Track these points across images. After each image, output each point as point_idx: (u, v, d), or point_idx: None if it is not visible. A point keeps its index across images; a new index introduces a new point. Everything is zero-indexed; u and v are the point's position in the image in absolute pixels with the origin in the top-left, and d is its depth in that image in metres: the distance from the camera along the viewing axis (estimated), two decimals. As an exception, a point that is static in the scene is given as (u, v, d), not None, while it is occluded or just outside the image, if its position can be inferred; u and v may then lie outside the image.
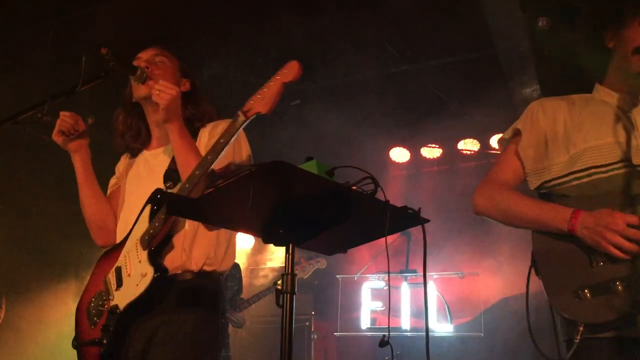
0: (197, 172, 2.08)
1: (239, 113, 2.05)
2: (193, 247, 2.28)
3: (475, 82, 5.50)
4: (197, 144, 2.39)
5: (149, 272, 2.18)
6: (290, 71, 1.99)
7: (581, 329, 1.91)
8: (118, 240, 2.43)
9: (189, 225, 2.29)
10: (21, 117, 2.18)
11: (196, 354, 2.21)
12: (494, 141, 6.49)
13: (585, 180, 2.06)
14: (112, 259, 2.40)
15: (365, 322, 6.18)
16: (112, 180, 2.69)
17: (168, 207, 1.73)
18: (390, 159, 7.04)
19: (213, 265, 2.32)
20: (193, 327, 2.22)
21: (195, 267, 2.27)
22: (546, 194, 2.17)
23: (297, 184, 1.63)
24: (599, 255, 1.93)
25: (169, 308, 2.22)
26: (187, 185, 2.11)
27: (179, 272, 2.26)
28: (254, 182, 1.57)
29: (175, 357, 2.17)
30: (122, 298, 2.25)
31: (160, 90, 2.20)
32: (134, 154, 2.60)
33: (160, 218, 2.21)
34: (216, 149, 2.07)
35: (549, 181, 2.14)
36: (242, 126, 2.06)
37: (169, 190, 2.30)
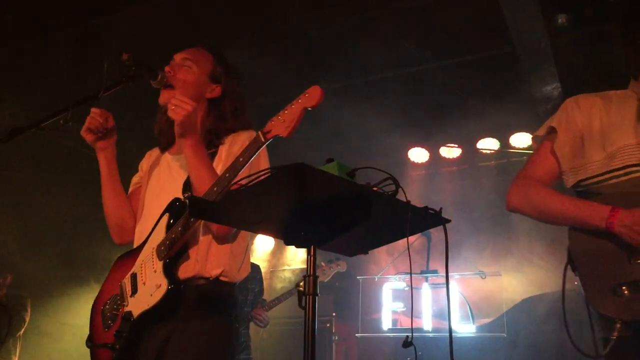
0: (214, 189, 2.06)
1: (259, 133, 2.04)
2: (207, 258, 2.29)
3: (494, 80, 5.46)
4: (217, 157, 2.39)
5: (164, 284, 2.20)
6: (312, 96, 1.96)
7: (618, 326, 1.90)
8: (136, 244, 2.46)
9: (203, 237, 2.30)
10: (44, 123, 2.21)
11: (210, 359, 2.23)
12: (514, 140, 6.44)
13: (622, 178, 2.05)
14: (128, 263, 2.43)
15: (386, 323, 6.16)
16: (135, 179, 2.70)
17: (190, 209, 1.74)
18: (409, 159, 7.01)
19: (228, 276, 2.33)
20: (207, 333, 2.23)
21: (209, 275, 2.29)
22: (582, 192, 2.15)
23: (318, 186, 1.64)
24: (637, 252, 1.92)
25: (183, 315, 2.23)
26: None
27: (193, 278, 2.27)
28: (276, 184, 1.58)
29: None
30: (136, 306, 2.28)
31: (176, 105, 2.19)
32: (162, 150, 2.61)
33: (177, 230, 2.21)
34: (236, 168, 2.05)
35: (585, 179, 2.12)
36: (262, 147, 2.05)
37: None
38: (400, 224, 1.78)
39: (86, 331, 2.48)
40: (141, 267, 2.34)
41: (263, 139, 2.02)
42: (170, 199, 2.33)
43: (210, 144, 2.41)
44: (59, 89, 4.72)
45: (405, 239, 1.86)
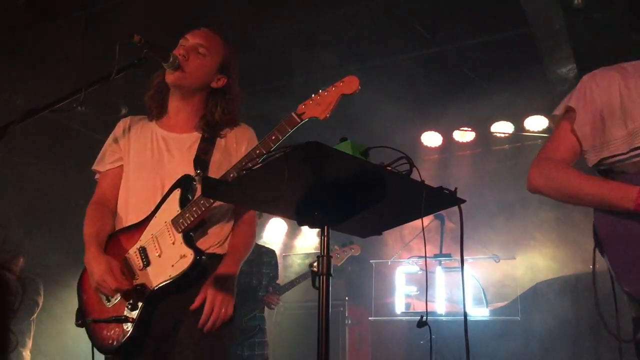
0: (231, 175, 2.14)
1: (293, 115, 2.13)
2: (223, 235, 2.39)
3: (509, 62, 5.39)
4: (216, 147, 2.45)
5: (189, 254, 2.24)
6: (349, 85, 2.10)
7: None
8: (136, 220, 2.41)
9: (219, 210, 2.38)
10: (58, 105, 2.21)
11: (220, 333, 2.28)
12: (528, 123, 6.37)
13: None
14: (128, 238, 2.41)
15: (399, 307, 6.17)
16: (113, 155, 2.58)
17: (203, 188, 1.74)
18: (421, 143, 6.96)
19: (224, 247, 2.42)
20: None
21: (221, 250, 2.38)
22: (605, 170, 2.10)
23: (332, 165, 1.62)
24: None
25: (197, 289, 2.28)
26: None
27: (211, 253, 2.35)
28: (289, 163, 1.57)
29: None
30: (152, 278, 2.29)
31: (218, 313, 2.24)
32: (151, 118, 2.58)
33: (199, 204, 2.25)
34: (268, 146, 2.14)
35: (608, 158, 2.07)
36: (295, 128, 2.15)
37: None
38: (415, 204, 1.76)
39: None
40: (152, 241, 2.34)
41: (298, 120, 2.12)
42: (173, 176, 2.36)
43: (207, 128, 2.46)
44: (71, 72, 4.73)
45: (418, 221, 1.85)
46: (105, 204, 2.52)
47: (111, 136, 2.63)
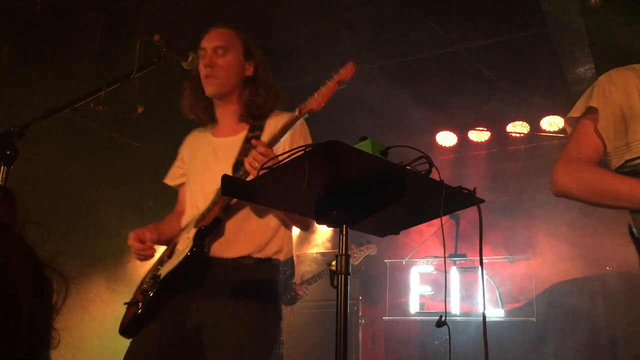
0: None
1: (297, 110, 2.21)
2: (242, 234, 2.37)
3: (525, 62, 5.36)
4: (264, 133, 2.47)
5: (189, 246, 2.31)
6: (344, 72, 2.14)
7: None
8: (184, 224, 2.53)
9: (240, 213, 2.39)
10: (79, 103, 2.23)
11: (257, 346, 2.28)
12: (544, 123, 6.33)
13: None
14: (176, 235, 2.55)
15: (414, 307, 6.15)
16: (178, 170, 2.74)
17: (223, 187, 1.75)
18: (437, 143, 6.94)
19: (267, 252, 2.40)
20: (255, 315, 2.29)
21: (246, 252, 2.37)
22: (630, 172, 2.04)
23: (351, 164, 1.63)
24: None
25: (223, 293, 2.31)
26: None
27: (232, 257, 2.35)
28: (309, 162, 1.57)
29: (240, 343, 2.23)
30: (166, 268, 2.39)
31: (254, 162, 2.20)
32: (204, 124, 2.67)
33: (213, 201, 2.35)
34: (271, 142, 2.21)
35: (633, 159, 2.01)
36: (296, 122, 2.22)
37: None
38: (433, 203, 1.76)
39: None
40: (180, 236, 2.46)
41: (298, 114, 2.19)
42: (216, 181, 2.33)
43: (251, 115, 2.52)
44: (88, 71, 4.77)
45: (434, 221, 1.85)
46: (180, 214, 2.66)
47: (179, 152, 2.79)
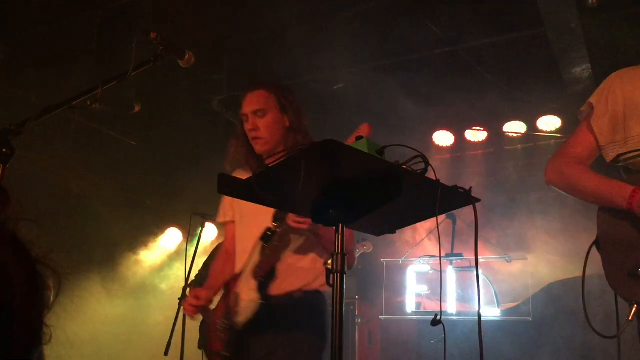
0: None
1: None
2: (293, 274, 2.71)
3: (522, 62, 5.36)
4: None
5: (257, 299, 2.66)
6: (360, 131, 2.23)
7: (634, 309, 1.88)
8: (238, 270, 2.86)
9: (290, 257, 2.73)
10: (75, 102, 2.23)
11: None
12: (541, 123, 6.33)
13: None
14: (235, 286, 2.85)
15: (410, 306, 6.16)
16: (228, 210, 3.05)
17: (219, 185, 1.75)
18: (433, 142, 6.94)
19: (314, 286, 2.74)
20: (305, 340, 2.68)
21: (296, 287, 2.72)
22: (622, 167, 2.13)
23: (347, 163, 1.63)
24: None
25: (279, 324, 2.67)
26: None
27: (284, 293, 2.69)
28: (305, 161, 1.58)
29: None
30: (239, 318, 2.73)
31: (296, 224, 2.48)
32: (243, 165, 2.91)
33: (265, 252, 2.66)
34: None
35: (625, 154, 2.08)
36: None
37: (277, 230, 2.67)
38: (429, 203, 1.76)
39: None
40: (240, 286, 2.79)
41: None
42: (260, 229, 2.69)
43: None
44: (86, 70, 4.76)
45: (429, 220, 1.85)
46: (229, 251, 3.02)
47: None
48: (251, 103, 2.83)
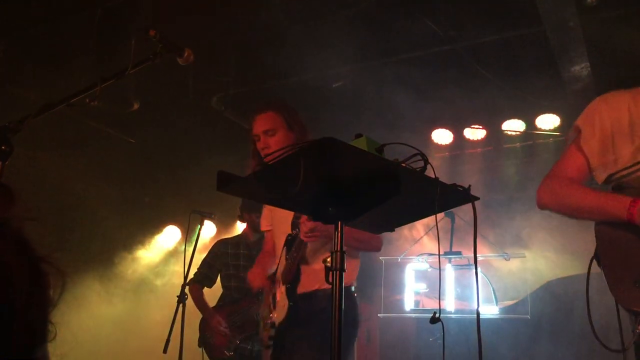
0: None
1: None
2: (314, 273, 3.03)
3: (521, 60, 5.36)
4: None
5: (287, 303, 3.06)
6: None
7: None
8: (273, 270, 3.31)
9: (310, 259, 3.09)
10: (74, 99, 2.23)
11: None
12: (540, 121, 6.33)
13: None
14: (272, 287, 3.31)
15: (409, 304, 6.17)
16: (267, 221, 3.48)
17: (218, 183, 1.76)
18: (432, 140, 6.94)
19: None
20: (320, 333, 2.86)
21: (317, 286, 3.03)
22: (614, 187, 2.14)
23: (347, 161, 1.63)
24: None
25: (304, 319, 3.02)
26: None
27: (308, 292, 3.04)
28: (304, 159, 1.58)
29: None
30: (277, 317, 3.16)
31: (308, 236, 2.86)
32: None
33: (288, 259, 3.07)
34: None
35: (615, 173, 2.11)
36: None
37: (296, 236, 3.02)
38: (428, 200, 1.77)
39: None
40: (277, 290, 3.23)
41: None
42: (284, 236, 3.14)
43: None
44: (85, 67, 4.75)
45: (428, 218, 1.85)
46: (270, 253, 3.46)
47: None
48: (261, 124, 3.14)
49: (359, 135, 1.67)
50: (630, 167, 2.07)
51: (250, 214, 5.07)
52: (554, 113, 6.21)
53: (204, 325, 4.85)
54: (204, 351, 4.75)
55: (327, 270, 1.76)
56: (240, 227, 6.14)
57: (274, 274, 3.30)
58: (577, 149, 2.21)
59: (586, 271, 2.14)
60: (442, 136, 6.91)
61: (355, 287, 3.28)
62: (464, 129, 6.79)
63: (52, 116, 2.22)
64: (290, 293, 3.07)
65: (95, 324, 5.85)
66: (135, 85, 5.18)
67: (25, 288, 0.75)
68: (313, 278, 3.03)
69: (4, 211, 0.82)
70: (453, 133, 6.87)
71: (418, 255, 6.30)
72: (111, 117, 5.63)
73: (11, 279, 0.74)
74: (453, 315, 5.54)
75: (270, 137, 3.10)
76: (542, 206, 2.30)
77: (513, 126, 6.50)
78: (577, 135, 2.23)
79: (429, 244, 6.44)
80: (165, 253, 7.04)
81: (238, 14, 4.74)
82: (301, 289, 3.07)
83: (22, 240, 0.80)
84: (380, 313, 6.43)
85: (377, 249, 3.21)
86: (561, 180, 2.23)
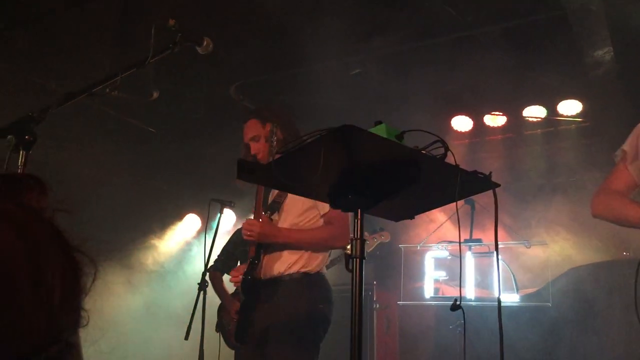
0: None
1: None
2: (277, 260, 3.28)
3: (542, 45, 5.27)
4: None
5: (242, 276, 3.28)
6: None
7: None
8: None
9: (272, 247, 3.28)
10: (95, 89, 2.25)
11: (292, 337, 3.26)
12: (561, 107, 6.24)
13: None
14: None
15: (428, 292, 6.16)
16: None
17: (238, 171, 1.76)
18: (451, 127, 6.88)
19: (295, 269, 3.29)
20: (289, 316, 3.23)
21: (281, 271, 3.27)
22: None
23: (366, 148, 1.63)
24: None
25: (270, 300, 3.26)
26: None
27: (271, 276, 3.27)
28: (324, 146, 1.58)
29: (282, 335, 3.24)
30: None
31: (246, 231, 3.18)
32: None
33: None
34: None
35: None
36: None
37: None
38: (448, 188, 1.76)
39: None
40: None
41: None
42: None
43: None
44: (106, 57, 4.78)
45: (449, 205, 1.84)
46: None
47: None
48: (246, 133, 3.44)
49: (378, 123, 1.67)
50: None
51: None
52: (576, 99, 6.11)
53: (222, 311, 4.89)
54: (220, 336, 4.80)
55: (347, 257, 1.76)
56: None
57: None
58: (624, 167, 2.64)
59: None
60: (462, 123, 6.85)
61: (322, 274, 3.43)
62: (484, 115, 6.72)
63: (73, 105, 2.24)
64: (249, 269, 3.29)
65: (120, 312, 5.92)
66: (155, 74, 5.21)
67: (61, 274, 0.77)
68: (277, 265, 3.29)
69: (38, 202, 0.85)
70: (473, 120, 6.80)
71: (437, 243, 6.27)
72: (132, 107, 5.67)
73: (48, 265, 0.76)
74: (473, 303, 5.51)
75: (257, 142, 3.38)
76: (595, 215, 2.69)
77: (534, 112, 6.42)
78: (623, 157, 2.64)
79: (449, 232, 6.41)
80: (185, 241, 7.11)
81: (255, 2, 4.73)
82: (265, 273, 3.31)
83: (56, 229, 0.83)
84: (399, 301, 6.43)
85: (339, 247, 3.44)
86: (612, 193, 2.63)
